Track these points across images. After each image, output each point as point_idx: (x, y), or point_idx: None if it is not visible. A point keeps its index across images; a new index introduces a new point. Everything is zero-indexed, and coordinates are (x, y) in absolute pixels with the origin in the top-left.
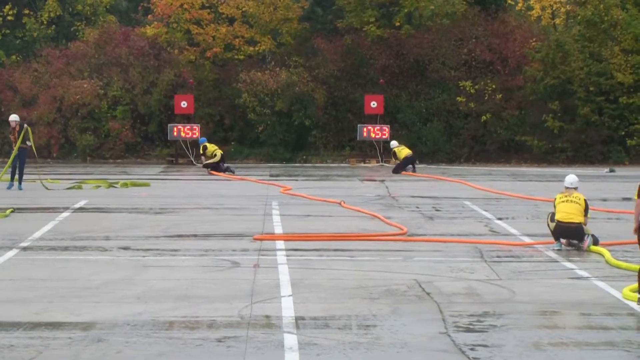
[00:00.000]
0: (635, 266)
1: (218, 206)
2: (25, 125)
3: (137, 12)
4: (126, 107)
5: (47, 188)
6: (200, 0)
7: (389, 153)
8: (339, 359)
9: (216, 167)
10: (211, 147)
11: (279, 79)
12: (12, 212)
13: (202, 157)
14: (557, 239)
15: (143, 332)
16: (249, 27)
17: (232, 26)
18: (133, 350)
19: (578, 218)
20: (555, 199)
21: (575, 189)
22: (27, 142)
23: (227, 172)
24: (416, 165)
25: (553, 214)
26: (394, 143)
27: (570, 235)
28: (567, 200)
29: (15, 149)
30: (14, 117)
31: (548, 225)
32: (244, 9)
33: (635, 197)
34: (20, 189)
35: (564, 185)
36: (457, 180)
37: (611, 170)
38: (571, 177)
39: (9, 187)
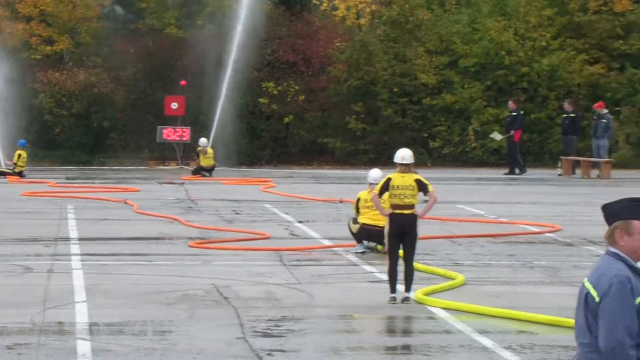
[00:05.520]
0: (435, 269)
1: (11, 210)
2: None
3: None
4: None
5: None
6: None
7: (189, 155)
8: None
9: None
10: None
11: (77, 79)
12: None
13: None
14: (360, 241)
15: None
16: (47, 25)
17: (30, 24)
18: None
19: (383, 221)
20: (358, 199)
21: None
22: None
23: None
24: (217, 168)
25: (355, 218)
26: (203, 141)
27: (374, 238)
28: (370, 207)
29: None
30: None
31: (350, 227)
32: (41, 8)
33: None
34: None
35: (368, 182)
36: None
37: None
38: (375, 173)
39: None
